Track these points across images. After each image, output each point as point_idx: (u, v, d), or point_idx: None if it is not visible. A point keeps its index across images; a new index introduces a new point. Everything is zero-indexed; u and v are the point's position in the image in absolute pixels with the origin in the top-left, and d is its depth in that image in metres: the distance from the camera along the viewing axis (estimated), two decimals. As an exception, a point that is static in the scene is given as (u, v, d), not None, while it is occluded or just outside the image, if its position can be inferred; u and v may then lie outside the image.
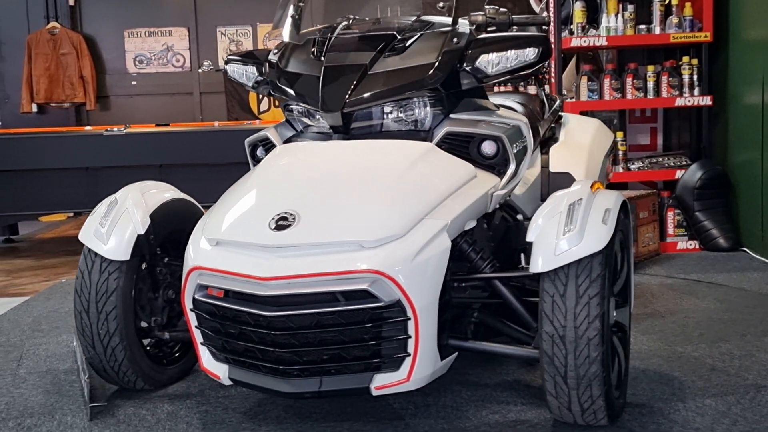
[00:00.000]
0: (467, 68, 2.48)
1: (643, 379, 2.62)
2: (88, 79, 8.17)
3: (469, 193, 2.33)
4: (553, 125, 3.43)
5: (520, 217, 2.98)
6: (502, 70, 2.48)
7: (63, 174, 5.49)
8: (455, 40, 2.51)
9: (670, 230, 4.90)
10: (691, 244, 4.86)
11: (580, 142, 3.40)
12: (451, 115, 2.51)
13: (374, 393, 2.11)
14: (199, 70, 8.49)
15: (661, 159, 5.02)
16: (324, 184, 2.26)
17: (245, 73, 2.77)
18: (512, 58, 2.48)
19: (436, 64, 2.45)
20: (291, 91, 2.55)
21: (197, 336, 2.32)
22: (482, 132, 2.47)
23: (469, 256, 2.40)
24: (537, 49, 2.47)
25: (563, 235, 2.09)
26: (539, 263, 2.10)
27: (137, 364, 2.56)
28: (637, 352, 2.90)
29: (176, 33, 8.50)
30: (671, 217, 4.89)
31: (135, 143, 5.50)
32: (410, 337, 2.09)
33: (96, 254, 2.51)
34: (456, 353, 2.28)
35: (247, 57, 2.78)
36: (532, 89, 5.20)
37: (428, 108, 2.49)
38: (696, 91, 4.85)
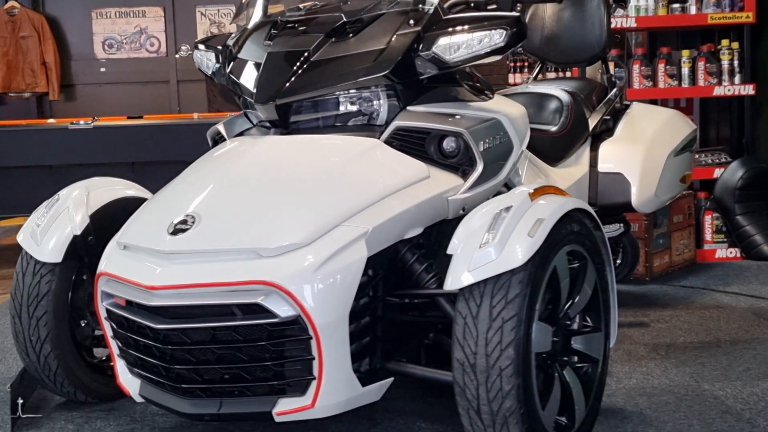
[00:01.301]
0: (423, 54, 2.40)
1: (640, 419, 2.53)
2: (51, 65, 8.12)
3: (412, 196, 2.27)
4: (607, 117, 3.42)
5: None
6: (463, 56, 2.40)
7: (23, 173, 5.45)
8: (412, 22, 2.45)
9: (708, 236, 4.86)
10: (731, 252, 4.82)
11: (638, 137, 3.41)
12: (408, 108, 2.45)
13: (276, 419, 2.09)
14: (177, 56, 8.44)
15: (697, 156, 4.97)
16: (236, 186, 2.28)
17: (205, 61, 2.78)
18: (475, 42, 2.39)
19: (385, 50, 2.40)
20: (234, 80, 2.55)
21: (113, 347, 2.36)
22: (439, 127, 2.41)
23: (412, 267, 2.30)
24: (504, 32, 2.38)
25: (479, 248, 2.03)
26: (449, 280, 2.05)
27: (74, 374, 2.61)
28: (651, 385, 2.80)
29: (150, 13, 8.46)
30: (709, 221, 4.85)
31: (104, 138, 5.45)
32: (314, 359, 2.06)
33: (31, 256, 2.58)
34: (391, 378, 2.24)
35: (212, 42, 2.78)
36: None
37: (381, 100, 2.44)
38: (737, 79, 4.81)
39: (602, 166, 3.32)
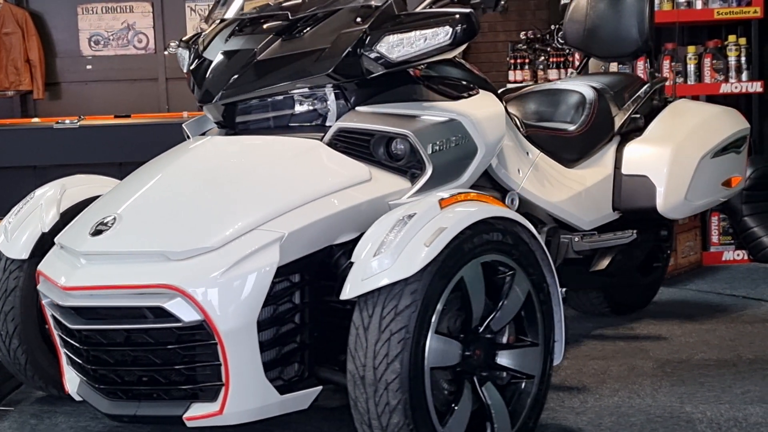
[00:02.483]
0: (368, 53, 2.39)
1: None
2: (35, 63, 8.08)
3: (346, 199, 2.26)
4: (636, 115, 3.34)
5: (567, 230, 2.97)
6: (407, 55, 2.40)
7: (6, 173, 5.42)
8: (359, 19, 2.44)
9: (714, 238, 4.85)
10: (738, 255, 4.81)
11: (668, 137, 3.31)
12: (357, 108, 2.44)
13: (187, 424, 2.13)
14: (165, 53, 8.37)
15: (703, 155, 4.96)
16: (162, 188, 2.35)
17: (181, 59, 2.82)
18: (418, 40, 2.39)
19: (328, 49, 2.40)
20: (192, 79, 2.60)
21: (60, 346, 2.45)
22: (382, 129, 2.40)
23: (345, 273, 2.25)
24: (451, 29, 2.37)
25: (374, 256, 2.03)
26: (346, 288, 2.06)
27: (43, 369, 2.69)
28: (629, 404, 2.69)
29: (138, 9, 8.42)
30: (715, 223, 4.85)
31: (90, 138, 5.42)
32: (221, 365, 2.09)
33: (1, 253, 2.70)
34: (320, 387, 2.25)
35: (190, 39, 2.82)
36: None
37: (327, 100, 2.44)
38: (744, 76, 4.79)
39: (626, 168, 3.23)
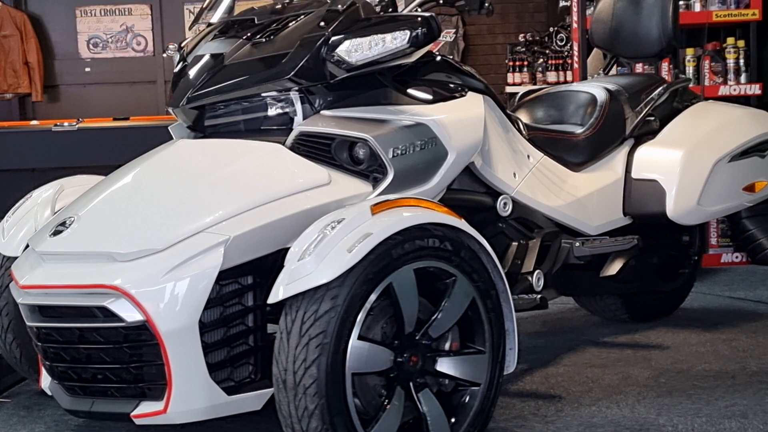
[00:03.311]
0: (328, 57, 2.40)
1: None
2: (34, 65, 8.09)
3: (300, 203, 2.26)
4: (651, 117, 3.26)
5: (572, 234, 2.94)
6: (366, 58, 2.41)
7: (5, 176, 5.39)
8: (323, 24, 2.45)
9: (713, 240, 4.82)
10: (737, 257, 4.77)
11: (682, 140, 3.21)
12: (322, 112, 2.45)
13: (136, 422, 2.18)
14: (164, 55, 8.39)
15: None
16: (122, 190, 2.42)
17: (174, 62, 2.82)
18: (376, 44, 2.40)
19: (290, 53, 2.41)
20: (172, 83, 2.64)
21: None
22: (341, 133, 2.41)
23: None
24: (408, 33, 2.39)
25: (298, 261, 2.05)
26: (273, 292, 2.08)
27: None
28: (602, 414, 2.58)
29: (137, 11, 8.42)
30: (714, 225, 4.82)
31: (89, 140, 5.40)
32: (164, 365, 2.12)
33: None
34: (272, 388, 2.23)
35: (183, 43, 2.84)
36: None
37: (292, 104, 2.46)
38: (743, 78, 4.77)
39: (636, 172, 3.15)
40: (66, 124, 5.47)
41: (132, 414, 2.17)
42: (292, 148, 2.41)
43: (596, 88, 3.26)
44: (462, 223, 2.25)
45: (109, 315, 2.12)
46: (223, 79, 2.46)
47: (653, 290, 3.47)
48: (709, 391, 2.78)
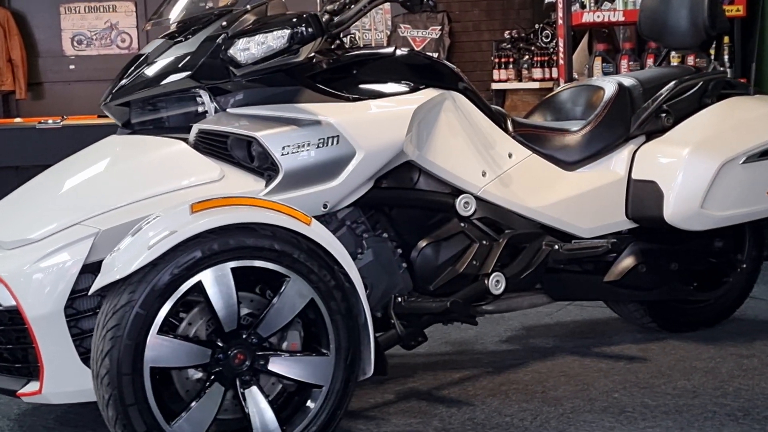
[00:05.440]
0: (224, 57, 2.44)
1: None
2: (17, 62, 8.03)
3: (184, 199, 2.27)
4: (663, 114, 3.04)
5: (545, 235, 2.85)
6: (252, 58, 2.44)
7: (-12, 174, 5.35)
8: (224, 24, 2.50)
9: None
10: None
11: (688, 138, 2.99)
12: (228, 110, 2.49)
13: (23, 399, 2.28)
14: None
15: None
16: (35, 182, 2.53)
17: None
18: (262, 43, 2.44)
19: (192, 52, 2.48)
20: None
21: None
22: (232, 131, 2.43)
23: None
24: (287, 33, 2.43)
25: (110, 255, 2.13)
26: (94, 285, 2.15)
27: None
28: (506, 425, 2.50)
29: (121, 8, 8.38)
30: None
31: (73, 138, 5.33)
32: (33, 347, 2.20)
33: None
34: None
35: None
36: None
37: (203, 102, 2.50)
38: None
39: (636, 173, 2.96)
40: (50, 121, 5.44)
41: (18, 392, 2.26)
42: (195, 145, 2.44)
43: (609, 83, 3.12)
44: (295, 224, 2.22)
45: None
46: (139, 78, 2.53)
47: (684, 298, 3.23)
48: (646, 410, 2.58)
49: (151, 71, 2.53)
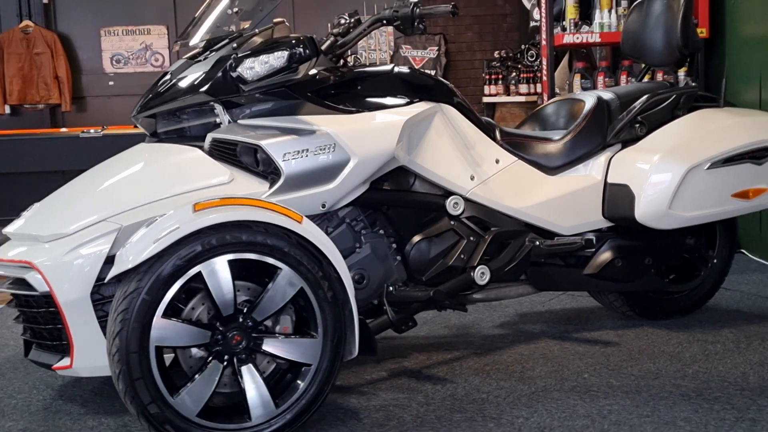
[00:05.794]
0: (233, 74, 2.47)
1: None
2: (63, 79, 8.03)
3: (196, 199, 2.28)
4: (637, 124, 3.01)
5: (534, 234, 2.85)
6: (257, 75, 2.48)
7: (38, 177, 5.39)
8: (235, 45, 2.54)
9: None
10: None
11: (658, 146, 2.97)
12: (239, 121, 2.52)
13: (58, 372, 2.33)
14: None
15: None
16: (75, 183, 2.57)
17: None
18: (262, 63, 2.48)
19: (206, 71, 2.51)
20: None
21: None
22: (240, 140, 2.45)
23: None
24: (287, 53, 2.47)
25: (123, 248, 2.16)
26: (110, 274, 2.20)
27: None
28: (453, 405, 2.46)
29: (155, 31, 8.38)
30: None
31: (112, 145, 5.33)
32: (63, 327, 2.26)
33: None
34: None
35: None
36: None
37: (218, 114, 2.52)
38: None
39: (611, 177, 2.96)
40: (92, 131, 5.46)
41: (53, 366, 2.31)
42: (210, 152, 2.48)
43: (590, 96, 3.11)
44: (286, 221, 2.23)
45: (28, 285, 2.29)
46: (163, 93, 2.57)
47: (659, 290, 3.22)
48: (598, 395, 2.54)
49: (173, 87, 2.56)
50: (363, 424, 2.37)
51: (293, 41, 2.49)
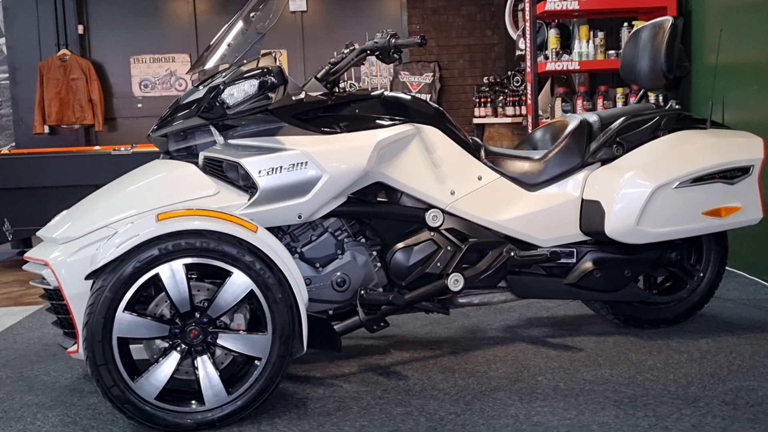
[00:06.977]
0: (220, 101, 2.51)
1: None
2: (96, 102, 8.06)
3: (180, 207, 2.38)
4: (614, 144, 2.93)
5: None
6: (236, 101, 2.51)
7: (74, 191, 5.35)
8: (224, 74, 2.59)
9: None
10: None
11: (630, 165, 2.87)
12: (229, 141, 2.54)
13: (71, 355, 2.43)
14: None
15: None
16: (94, 195, 2.62)
17: None
18: (240, 90, 2.51)
19: (200, 98, 2.55)
20: None
21: None
22: (223, 157, 2.49)
23: None
24: (256, 82, 2.51)
25: (96, 251, 2.27)
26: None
27: None
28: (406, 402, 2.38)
29: (179, 59, 8.41)
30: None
31: (141, 161, 5.36)
32: (69, 318, 2.37)
33: None
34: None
35: None
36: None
37: (212, 134, 2.57)
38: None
39: (586, 194, 2.89)
40: (122, 149, 5.46)
41: (68, 350, 2.42)
42: (203, 168, 2.53)
43: (575, 118, 3.05)
44: (238, 230, 2.24)
45: (44, 281, 2.42)
46: (171, 116, 2.61)
47: (643, 300, 3.07)
48: (551, 395, 2.43)
49: (178, 111, 2.60)
50: (311, 411, 2.36)
51: (263, 71, 2.52)
